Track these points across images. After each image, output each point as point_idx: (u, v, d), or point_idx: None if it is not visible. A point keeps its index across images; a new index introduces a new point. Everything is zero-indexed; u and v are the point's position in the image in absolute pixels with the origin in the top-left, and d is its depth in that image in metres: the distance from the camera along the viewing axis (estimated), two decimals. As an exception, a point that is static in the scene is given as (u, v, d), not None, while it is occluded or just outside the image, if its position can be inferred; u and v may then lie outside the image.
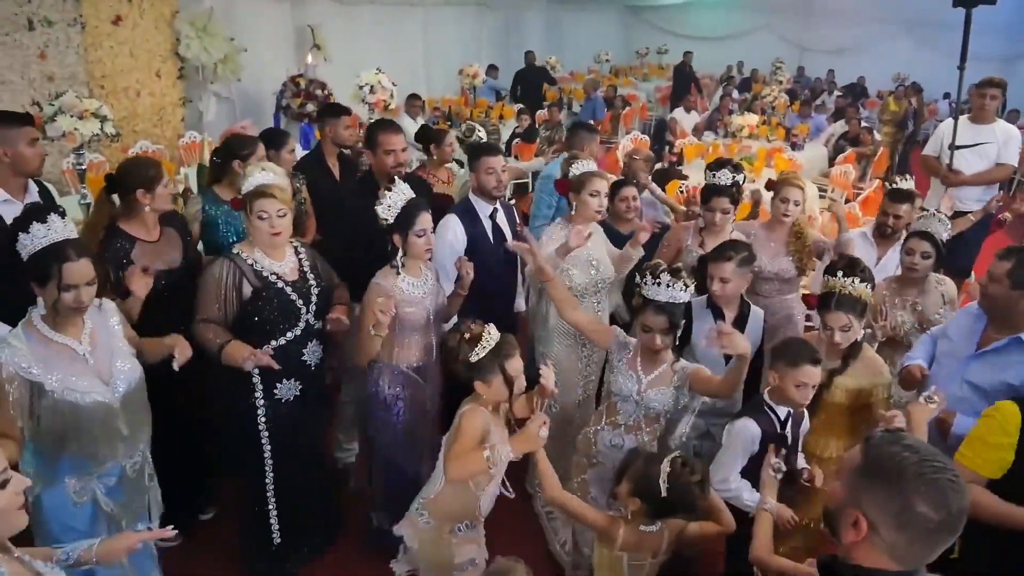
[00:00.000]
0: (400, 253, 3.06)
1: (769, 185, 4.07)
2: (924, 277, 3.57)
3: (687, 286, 2.80)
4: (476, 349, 2.51)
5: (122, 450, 2.52)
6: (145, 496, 2.68)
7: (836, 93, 14.73)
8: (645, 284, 2.82)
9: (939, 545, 1.46)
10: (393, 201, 3.02)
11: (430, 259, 3.20)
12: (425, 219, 3.03)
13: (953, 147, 5.26)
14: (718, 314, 3.30)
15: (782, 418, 2.73)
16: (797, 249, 3.86)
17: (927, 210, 3.94)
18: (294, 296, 2.96)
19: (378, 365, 3.15)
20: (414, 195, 3.09)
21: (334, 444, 4.07)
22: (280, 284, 2.94)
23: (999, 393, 2.65)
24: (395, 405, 3.18)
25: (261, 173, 2.92)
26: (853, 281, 2.90)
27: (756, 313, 3.37)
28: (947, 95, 14.03)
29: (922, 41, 15.02)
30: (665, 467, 2.35)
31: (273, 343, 2.93)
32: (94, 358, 2.44)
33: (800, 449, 2.82)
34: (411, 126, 8.20)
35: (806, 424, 2.83)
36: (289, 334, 2.97)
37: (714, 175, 3.87)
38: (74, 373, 2.37)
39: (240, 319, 2.91)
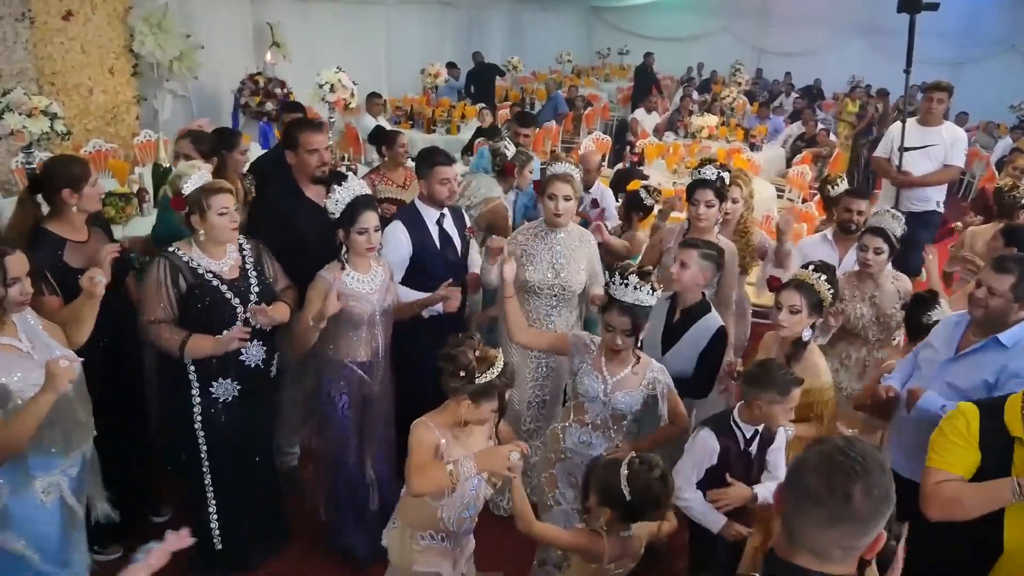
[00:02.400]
0: (344, 249, 3.09)
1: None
2: (880, 272, 3.66)
3: (654, 290, 2.81)
4: (487, 372, 2.44)
5: (83, 437, 2.58)
6: (96, 483, 2.72)
7: (793, 95, 14.99)
8: (613, 283, 2.82)
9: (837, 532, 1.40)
10: (341, 196, 3.03)
11: (377, 255, 3.22)
12: (368, 218, 3.03)
13: (902, 149, 5.40)
14: (673, 305, 3.32)
15: (748, 436, 2.73)
16: (741, 248, 3.93)
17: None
18: (229, 295, 2.94)
19: (324, 359, 3.15)
20: (364, 192, 3.09)
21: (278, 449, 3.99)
22: (215, 283, 2.93)
23: (977, 392, 2.68)
24: (339, 400, 3.19)
25: (200, 172, 2.93)
26: (819, 277, 2.99)
27: (711, 320, 3.29)
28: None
29: (876, 45, 15.35)
30: (624, 470, 2.34)
31: None
32: (37, 353, 2.45)
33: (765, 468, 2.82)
34: (372, 125, 8.15)
35: (780, 441, 2.81)
36: (224, 332, 2.92)
37: (700, 172, 3.84)
38: (26, 370, 2.38)
39: (179, 317, 2.91)
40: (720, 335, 3.26)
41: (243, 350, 2.99)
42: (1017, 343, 2.70)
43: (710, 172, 3.82)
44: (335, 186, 3.06)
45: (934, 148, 5.40)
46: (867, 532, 1.38)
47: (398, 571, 2.71)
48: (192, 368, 2.95)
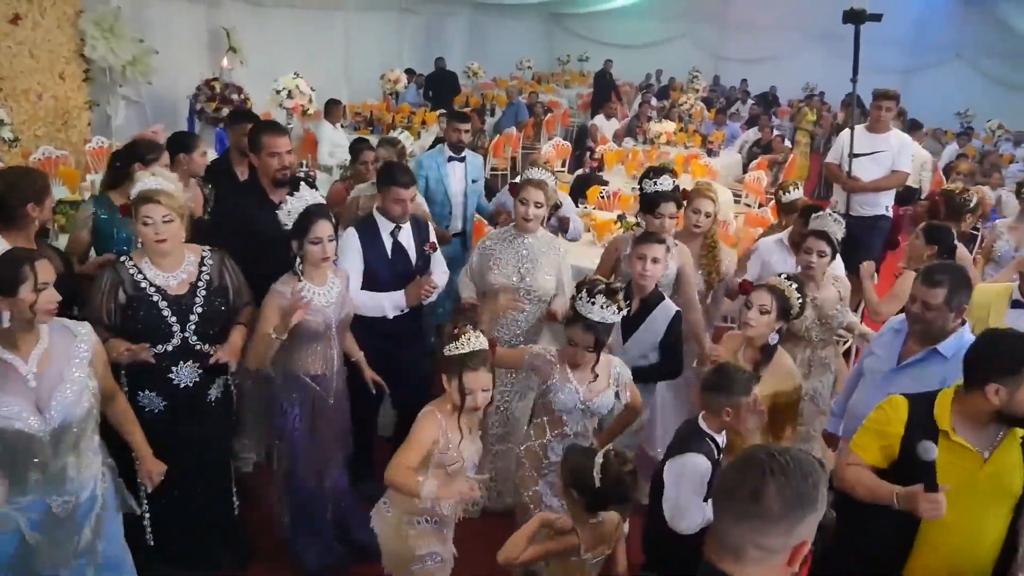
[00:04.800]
0: (298, 260, 3.05)
1: (683, 196, 4.14)
2: (821, 274, 3.75)
3: (620, 309, 2.86)
4: (450, 345, 2.56)
5: (46, 486, 2.36)
6: (75, 539, 2.48)
7: (750, 102, 15.26)
8: (580, 300, 2.86)
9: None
10: (293, 207, 3.01)
11: (334, 264, 3.21)
12: (321, 227, 2.99)
13: (851, 155, 5.53)
14: (627, 296, 3.32)
15: (721, 445, 2.73)
16: (708, 263, 3.93)
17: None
18: (167, 312, 2.86)
19: (278, 371, 3.13)
20: (316, 201, 3.07)
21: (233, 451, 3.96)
22: (155, 297, 2.85)
23: None
24: (291, 412, 3.16)
25: (151, 178, 2.83)
26: (791, 285, 3.09)
27: (666, 307, 3.42)
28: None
29: (830, 52, 15.59)
30: (599, 459, 2.42)
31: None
32: (38, 381, 2.32)
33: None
34: (330, 131, 8.10)
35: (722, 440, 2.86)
36: (158, 347, 2.85)
37: (655, 183, 3.77)
38: (8, 393, 2.25)
39: (119, 326, 2.84)
40: (677, 319, 3.41)
41: (172, 368, 2.91)
42: (956, 354, 2.75)
43: (667, 183, 3.75)
44: (287, 197, 3.04)
45: (882, 154, 5.55)
46: (778, 532, 1.38)
47: (394, 557, 2.75)
48: (123, 374, 2.90)
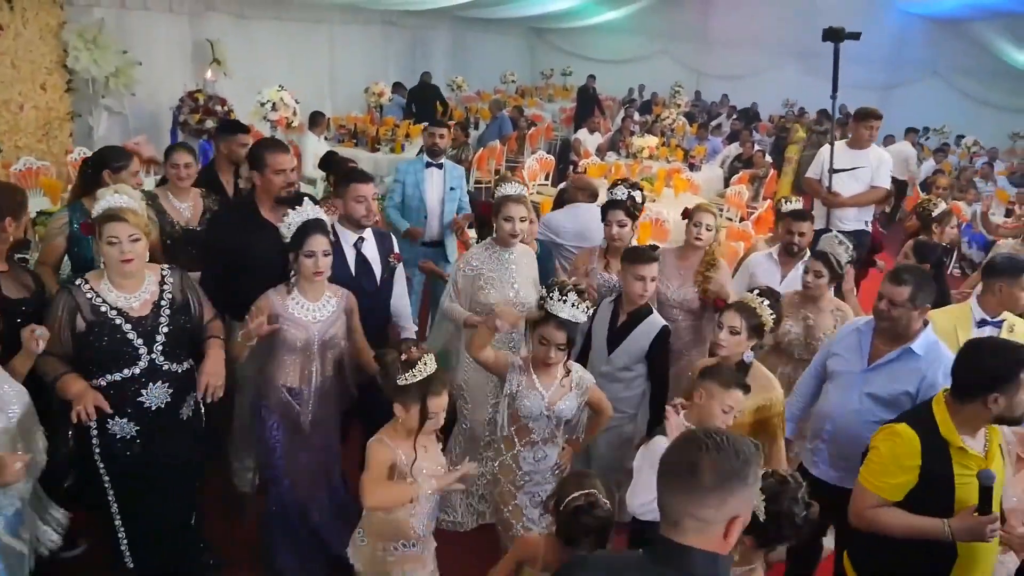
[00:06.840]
0: (292, 272, 3.05)
1: (685, 213, 4.15)
2: (821, 295, 3.78)
3: (588, 309, 2.92)
4: (407, 374, 2.53)
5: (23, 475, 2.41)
6: (36, 522, 2.60)
7: (733, 117, 15.44)
8: (551, 299, 2.89)
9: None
10: (293, 220, 3.01)
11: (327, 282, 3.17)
12: (315, 241, 2.97)
13: (832, 171, 5.61)
14: (616, 309, 3.51)
15: None
16: (703, 282, 3.95)
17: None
18: (132, 335, 2.75)
19: (261, 378, 3.13)
20: (317, 216, 3.05)
21: (232, 470, 3.88)
22: (118, 320, 2.74)
23: (899, 402, 2.85)
24: (269, 419, 3.15)
25: (114, 195, 2.75)
26: (763, 302, 3.11)
27: (653, 320, 3.46)
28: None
29: (809, 69, 15.89)
30: (579, 499, 2.40)
31: (108, 377, 2.76)
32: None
33: None
34: (315, 143, 8.10)
35: None
36: (125, 371, 2.78)
37: (611, 192, 4.08)
38: None
39: (75, 353, 2.75)
40: (663, 334, 3.43)
41: (142, 392, 2.82)
42: (928, 351, 2.88)
43: (621, 192, 4.03)
44: (288, 210, 3.04)
45: (862, 170, 5.63)
46: (711, 503, 1.48)
47: None
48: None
